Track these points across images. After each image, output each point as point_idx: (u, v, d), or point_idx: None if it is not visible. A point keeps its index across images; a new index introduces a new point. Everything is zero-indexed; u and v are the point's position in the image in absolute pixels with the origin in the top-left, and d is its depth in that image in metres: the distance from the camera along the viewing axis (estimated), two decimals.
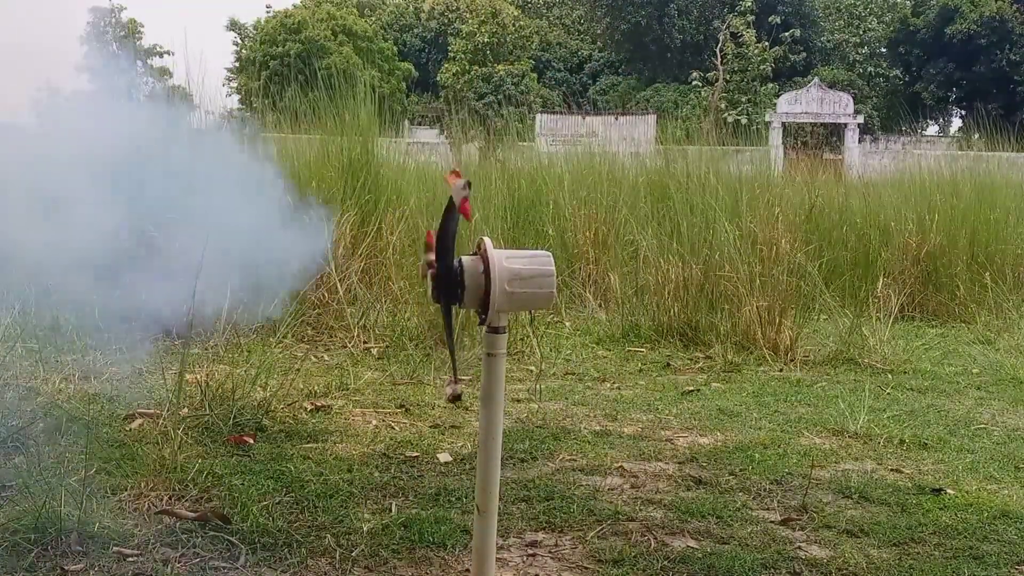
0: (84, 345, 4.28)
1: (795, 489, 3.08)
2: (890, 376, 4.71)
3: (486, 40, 29.66)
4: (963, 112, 29.29)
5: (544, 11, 35.92)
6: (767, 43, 25.21)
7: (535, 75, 30.32)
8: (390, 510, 2.79)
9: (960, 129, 26.77)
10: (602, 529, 2.72)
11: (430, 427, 3.67)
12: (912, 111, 23.70)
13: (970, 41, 26.74)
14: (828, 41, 28.95)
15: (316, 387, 4.09)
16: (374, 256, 5.51)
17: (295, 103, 6.46)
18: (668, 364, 4.92)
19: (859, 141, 23.03)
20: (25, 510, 2.62)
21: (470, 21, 30.78)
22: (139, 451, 3.10)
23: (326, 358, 4.71)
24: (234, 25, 37.33)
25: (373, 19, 35.18)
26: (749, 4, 25.21)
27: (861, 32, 29.80)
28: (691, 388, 4.41)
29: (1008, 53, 26.70)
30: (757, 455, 3.42)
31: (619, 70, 31.68)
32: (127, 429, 3.37)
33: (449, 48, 31.30)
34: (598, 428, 3.74)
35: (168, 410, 3.39)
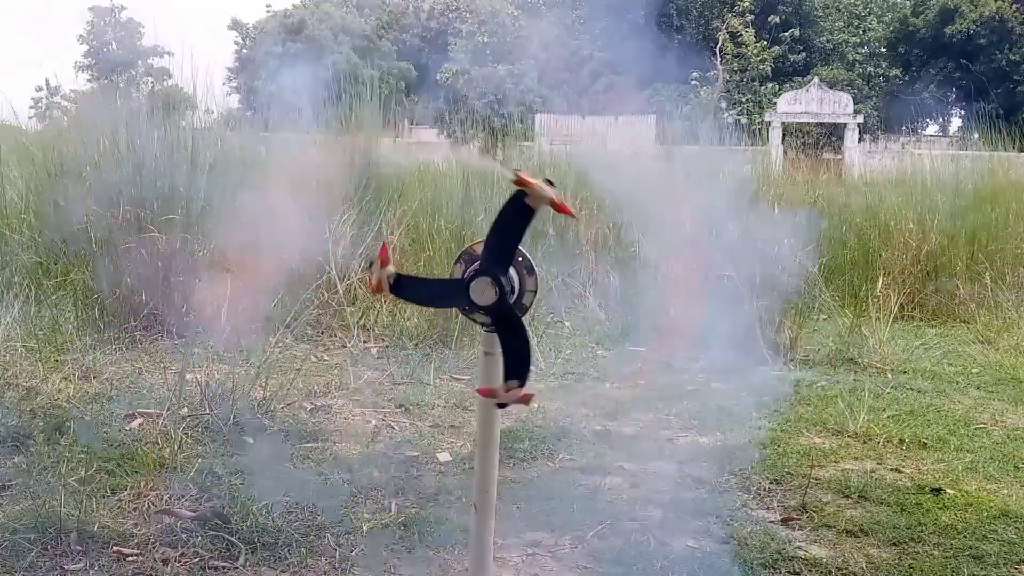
0: (84, 344, 4.28)
1: (795, 489, 3.08)
2: (890, 376, 4.71)
3: (486, 40, 29.66)
4: (963, 112, 29.28)
5: (544, 11, 35.92)
6: (766, 42, 25.22)
7: (535, 75, 30.30)
8: (390, 510, 2.79)
9: (960, 129, 26.78)
10: (602, 529, 2.72)
11: (430, 427, 3.67)
12: (912, 111, 23.66)
13: (970, 41, 26.73)
14: (828, 41, 28.94)
15: (316, 387, 4.09)
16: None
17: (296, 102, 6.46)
18: (668, 363, 4.92)
19: (859, 141, 23.02)
20: (25, 509, 2.63)
21: (470, 21, 30.77)
22: (139, 451, 3.11)
23: (326, 358, 4.71)
24: (235, 24, 37.34)
25: (373, 19, 35.18)
26: (748, 4, 25.20)
27: (861, 32, 29.79)
28: (691, 388, 4.41)
29: (1008, 53, 26.69)
30: (757, 455, 3.43)
31: (619, 70, 31.69)
32: (127, 429, 3.37)
33: (449, 48, 31.30)
34: (598, 428, 3.74)
35: (168, 410, 3.40)
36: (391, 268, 1.66)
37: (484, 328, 1.74)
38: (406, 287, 1.68)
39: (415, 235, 5.76)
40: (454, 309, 1.77)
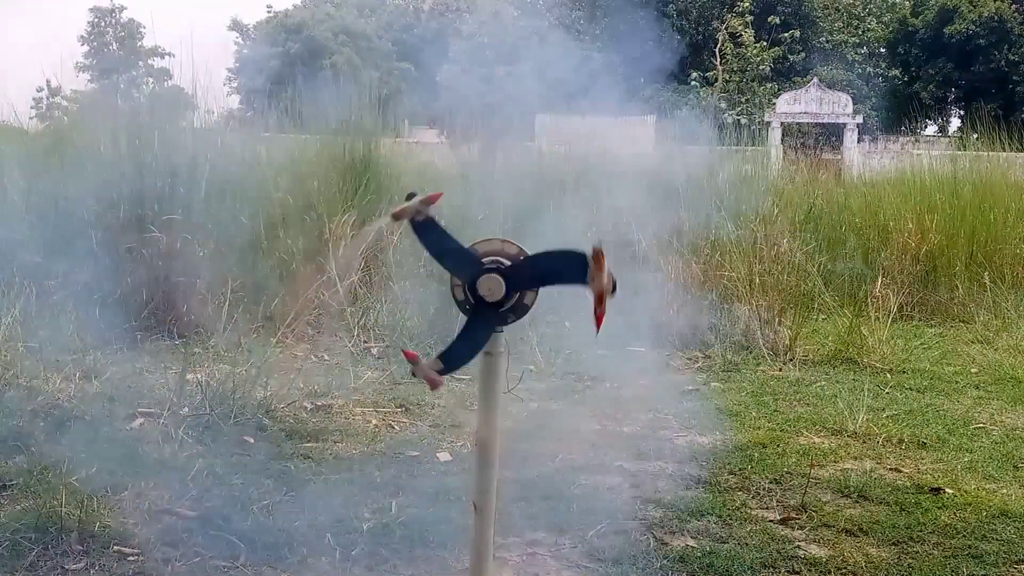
0: (84, 344, 4.29)
1: (794, 488, 3.09)
2: (889, 375, 4.72)
3: (486, 40, 29.68)
4: (962, 112, 29.30)
5: (544, 11, 35.93)
6: (766, 43, 25.20)
7: (535, 76, 30.29)
8: (390, 510, 2.79)
9: (959, 129, 26.77)
10: (601, 528, 2.72)
11: (430, 427, 3.67)
12: (911, 111, 23.66)
13: (969, 41, 26.73)
14: (827, 41, 28.93)
15: (316, 387, 4.09)
16: (375, 256, 5.52)
17: (297, 103, 6.47)
18: (668, 364, 4.93)
19: (858, 141, 23.01)
20: (26, 509, 2.63)
21: (470, 21, 30.79)
22: (140, 451, 3.11)
23: (326, 358, 4.72)
24: (236, 25, 37.32)
25: (373, 19, 35.20)
26: (747, 4, 25.18)
27: (860, 32, 29.79)
28: (690, 387, 4.42)
29: (1007, 53, 26.69)
30: (756, 454, 3.43)
31: (618, 70, 31.73)
32: (128, 428, 3.37)
33: (449, 48, 31.29)
34: (598, 428, 3.74)
35: (169, 409, 3.40)
36: (429, 210, 1.69)
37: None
38: (428, 231, 1.69)
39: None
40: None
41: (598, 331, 1.63)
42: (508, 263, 1.68)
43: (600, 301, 1.59)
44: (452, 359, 1.71)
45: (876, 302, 5.53)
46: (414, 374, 1.70)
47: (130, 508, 2.71)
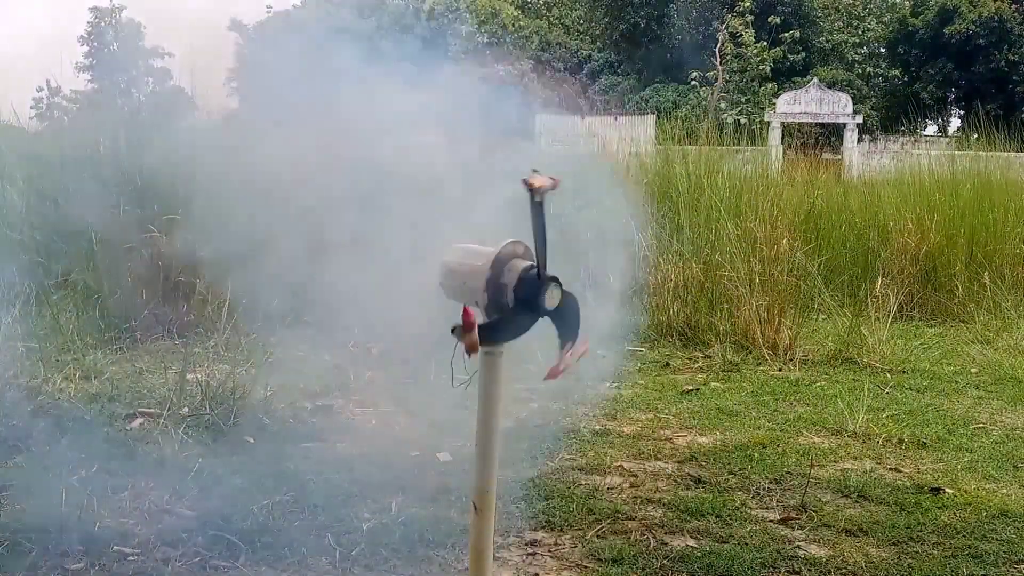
0: (84, 344, 4.29)
1: (794, 488, 3.09)
2: (889, 375, 4.72)
3: (486, 40, 29.67)
4: (962, 112, 29.30)
5: (544, 11, 35.94)
6: (766, 43, 25.23)
7: (535, 75, 30.28)
8: (390, 510, 2.79)
9: (959, 129, 26.77)
10: (601, 528, 2.72)
11: (430, 427, 3.67)
12: (911, 111, 23.69)
13: (969, 41, 26.74)
14: (827, 41, 28.95)
15: (316, 387, 4.08)
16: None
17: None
18: (668, 364, 4.93)
19: (858, 141, 23.04)
20: (26, 509, 2.63)
21: (470, 21, 30.77)
22: (140, 450, 3.11)
23: (326, 358, 4.71)
24: (235, 25, 37.29)
25: (372, 20, 35.18)
26: (748, 4, 25.20)
27: (860, 32, 29.81)
28: (690, 387, 4.42)
29: (1007, 53, 26.71)
30: (756, 454, 3.43)
31: (618, 70, 31.73)
32: (128, 428, 3.38)
33: (449, 48, 31.26)
34: (598, 428, 3.74)
35: (169, 409, 3.40)
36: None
37: None
38: (491, 334, 1.73)
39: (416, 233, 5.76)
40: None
41: (546, 378, 1.78)
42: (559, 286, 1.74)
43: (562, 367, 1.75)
44: (575, 334, 1.79)
45: (876, 302, 5.53)
46: (453, 330, 1.71)
47: (130, 508, 2.71)
